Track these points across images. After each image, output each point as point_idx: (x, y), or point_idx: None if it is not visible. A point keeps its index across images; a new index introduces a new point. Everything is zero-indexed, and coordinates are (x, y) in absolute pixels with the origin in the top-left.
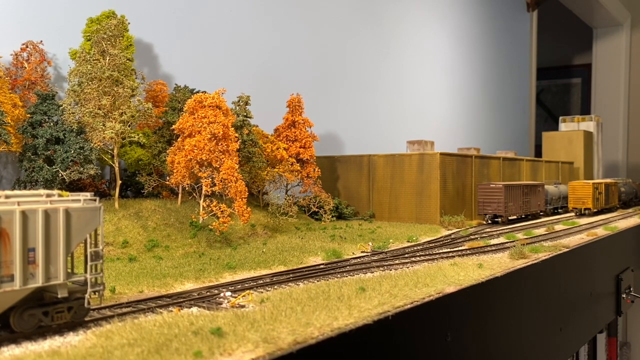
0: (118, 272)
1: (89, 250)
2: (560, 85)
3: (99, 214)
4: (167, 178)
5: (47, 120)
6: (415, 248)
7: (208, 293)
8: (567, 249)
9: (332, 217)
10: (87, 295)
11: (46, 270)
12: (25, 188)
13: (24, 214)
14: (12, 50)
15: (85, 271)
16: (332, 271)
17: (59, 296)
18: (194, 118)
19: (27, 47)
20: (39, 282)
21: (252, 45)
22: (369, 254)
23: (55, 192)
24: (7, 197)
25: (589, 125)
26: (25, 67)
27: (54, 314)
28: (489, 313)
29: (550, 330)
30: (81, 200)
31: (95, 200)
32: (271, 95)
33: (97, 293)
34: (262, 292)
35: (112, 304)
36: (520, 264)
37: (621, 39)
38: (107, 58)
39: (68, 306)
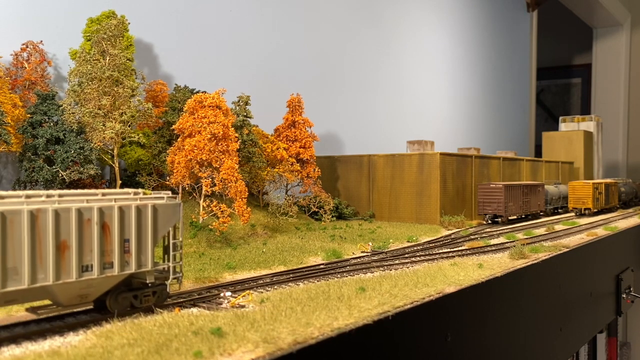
0: None
1: (170, 241)
2: (560, 85)
3: (179, 209)
4: (167, 178)
5: (47, 120)
6: (415, 248)
7: (208, 293)
8: (567, 249)
9: (332, 217)
10: (168, 282)
11: (138, 258)
12: (25, 188)
13: (120, 209)
14: (12, 50)
15: (166, 260)
16: (332, 271)
17: (148, 282)
18: (194, 118)
19: (27, 47)
20: (132, 269)
21: (252, 45)
22: (369, 254)
23: (140, 190)
24: (103, 194)
25: (589, 125)
26: (25, 67)
27: (142, 297)
28: (489, 313)
29: (550, 330)
30: (164, 197)
31: (175, 197)
32: (271, 95)
33: (177, 280)
34: (262, 292)
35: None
36: (520, 264)
37: (621, 39)
38: (107, 58)
39: (153, 291)
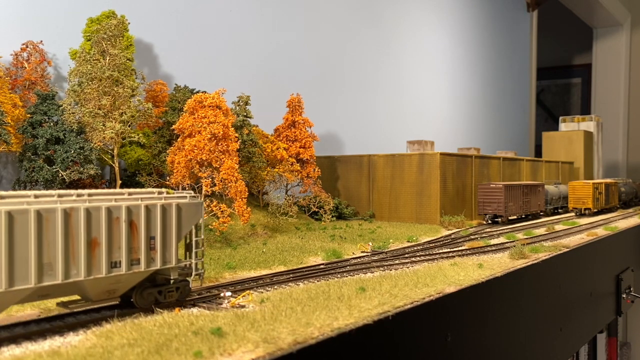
0: None
1: (193, 239)
2: (560, 85)
3: (201, 208)
4: (167, 178)
5: (47, 120)
6: (415, 248)
7: (208, 293)
8: (567, 249)
9: (332, 217)
10: (191, 278)
11: (163, 255)
12: (25, 188)
13: (147, 208)
14: (12, 50)
15: (188, 257)
16: (332, 271)
17: (172, 278)
18: (194, 118)
19: (27, 47)
20: (157, 265)
21: (252, 45)
22: (369, 254)
23: (164, 190)
24: (129, 194)
25: (589, 125)
26: (25, 67)
27: (166, 293)
28: (489, 313)
29: (550, 330)
30: (187, 197)
31: (197, 197)
32: (271, 95)
33: (199, 276)
34: (262, 292)
35: (113, 304)
36: (520, 264)
37: (621, 39)
38: (107, 58)
39: (176, 286)
